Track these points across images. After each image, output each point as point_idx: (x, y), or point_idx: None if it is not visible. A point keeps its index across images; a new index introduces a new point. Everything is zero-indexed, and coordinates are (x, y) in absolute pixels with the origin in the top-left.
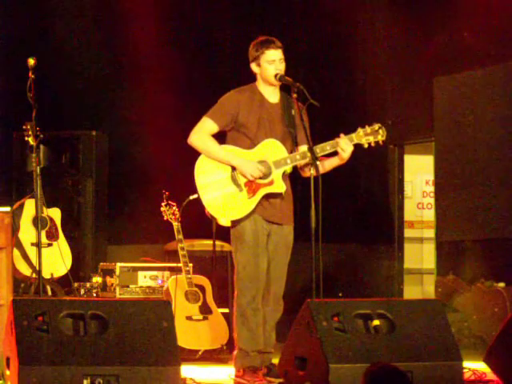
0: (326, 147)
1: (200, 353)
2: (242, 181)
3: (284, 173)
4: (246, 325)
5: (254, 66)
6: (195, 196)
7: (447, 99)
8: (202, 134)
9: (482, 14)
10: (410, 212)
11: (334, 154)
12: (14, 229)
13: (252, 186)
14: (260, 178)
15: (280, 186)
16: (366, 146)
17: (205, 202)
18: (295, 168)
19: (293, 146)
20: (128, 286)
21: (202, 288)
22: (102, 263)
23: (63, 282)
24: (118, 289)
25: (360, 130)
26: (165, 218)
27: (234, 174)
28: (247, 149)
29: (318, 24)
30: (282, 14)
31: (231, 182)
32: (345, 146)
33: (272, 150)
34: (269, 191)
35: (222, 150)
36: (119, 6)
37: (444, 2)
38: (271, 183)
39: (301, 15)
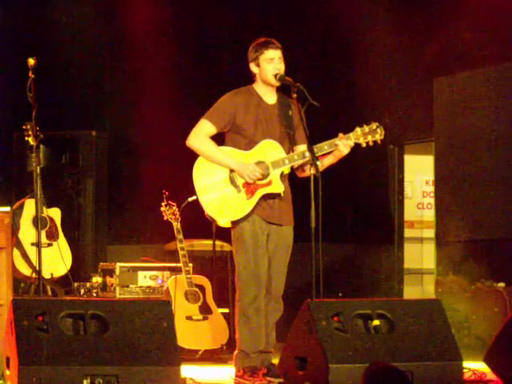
0: (324, 147)
1: (200, 353)
2: (240, 182)
3: (282, 173)
4: (247, 325)
5: (253, 67)
6: (194, 198)
7: (447, 99)
8: (201, 136)
9: (482, 13)
10: (409, 212)
11: (329, 152)
12: (14, 229)
13: (250, 187)
14: (258, 179)
15: (278, 187)
16: (364, 145)
17: (203, 204)
18: (292, 168)
19: (290, 147)
20: (128, 286)
21: (201, 288)
22: (101, 263)
23: (63, 282)
24: (118, 289)
25: (358, 130)
26: (165, 218)
27: (232, 175)
28: (245, 150)
29: (317, 24)
30: (281, 14)
31: (229, 184)
32: (343, 147)
33: (270, 150)
34: (267, 192)
35: (220, 153)
36: (120, 6)
37: (444, 2)
38: (269, 184)
39: (301, 15)
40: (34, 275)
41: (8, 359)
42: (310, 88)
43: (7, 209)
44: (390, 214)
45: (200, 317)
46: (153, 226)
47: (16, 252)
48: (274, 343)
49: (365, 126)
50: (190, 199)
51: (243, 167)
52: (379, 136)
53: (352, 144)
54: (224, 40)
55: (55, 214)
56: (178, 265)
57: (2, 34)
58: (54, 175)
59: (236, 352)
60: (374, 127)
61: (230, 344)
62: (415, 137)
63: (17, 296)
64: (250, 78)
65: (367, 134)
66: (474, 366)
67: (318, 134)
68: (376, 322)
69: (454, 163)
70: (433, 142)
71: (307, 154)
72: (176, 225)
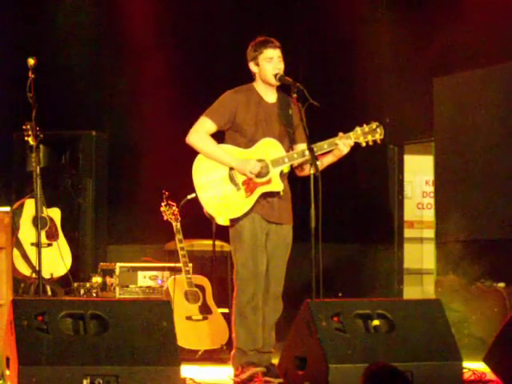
0: (323, 146)
1: (200, 353)
2: (239, 180)
3: (281, 172)
4: (244, 324)
5: (252, 66)
6: (193, 195)
7: (447, 99)
8: (201, 133)
9: (482, 13)
10: (409, 212)
11: (329, 151)
12: (14, 229)
13: (250, 185)
14: (258, 177)
15: (278, 185)
16: (364, 144)
17: (203, 202)
18: (291, 167)
19: (290, 146)
20: (128, 286)
21: (201, 288)
22: (101, 263)
23: (63, 282)
24: (117, 289)
25: (358, 129)
26: (165, 218)
27: (232, 173)
28: (245, 148)
29: (317, 24)
30: (281, 13)
31: (229, 181)
32: (343, 146)
33: (270, 148)
34: (266, 190)
35: (220, 150)
36: (119, 7)
37: (444, 2)
38: (269, 182)
39: (301, 15)
40: (33, 275)
41: (8, 359)
42: (310, 88)
43: (7, 209)
44: (390, 214)
45: (200, 317)
46: (153, 226)
47: (16, 252)
48: (274, 343)
49: (365, 126)
50: (189, 196)
51: (244, 163)
52: (379, 136)
53: (352, 143)
54: (224, 39)
55: (55, 214)
56: (178, 265)
57: (2, 34)
58: (53, 175)
59: (233, 351)
60: (374, 127)
61: (230, 344)
62: (415, 137)
63: (17, 296)
64: (250, 77)
65: (367, 134)
66: (474, 366)
67: (317, 133)
68: (376, 322)
69: (454, 163)
70: (433, 142)
71: (307, 152)
72: (176, 225)
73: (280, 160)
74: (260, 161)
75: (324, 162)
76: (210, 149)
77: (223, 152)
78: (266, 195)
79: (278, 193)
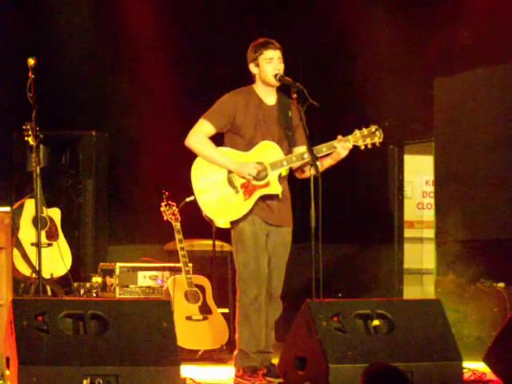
0: (322, 149)
1: (200, 353)
2: (238, 182)
3: (280, 175)
4: (247, 325)
5: (252, 67)
6: (191, 198)
7: (447, 99)
8: (200, 136)
9: (482, 13)
10: (409, 212)
11: (327, 154)
12: (14, 229)
13: (248, 188)
14: (256, 180)
15: (276, 188)
16: (363, 147)
17: (201, 204)
18: (291, 170)
19: (289, 148)
20: (128, 286)
21: (201, 288)
22: (101, 263)
23: (63, 282)
24: (117, 289)
25: (357, 132)
26: (165, 218)
27: (231, 175)
28: (244, 150)
29: (317, 24)
30: (282, 14)
31: (227, 184)
32: (341, 149)
33: (269, 151)
34: (265, 193)
35: (218, 153)
36: (119, 6)
37: (444, 2)
38: (267, 185)
39: (300, 15)
40: (33, 275)
41: (8, 359)
42: (310, 88)
43: (7, 209)
44: (390, 214)
45: (200, 317)
46: (153, 226)
47: (16, 252)
48: (274, 343)
49: (364, 129)
50: (188, 199)
51: (242, 166)
52: (378, 139)
53: (350, 146)
54: (224, 40)
55: (55, 214)
56: (178, 265)
57: (2, 34)
58: (54, 175)
59: (236, 352)
60: (373, 130)
61: (230, 344)
62: (415, 137)
63: (17, 296)
64: (250, 78)
65: (366, 137)
66: (474, 366)
67: (317, 134)
68: (376, 322)
69: (454, 163)
70: (433, 142)
71: (306, 155)
72: (176, 225)
73: (279, 163)
74: (259, 164)
75: (323, 164)
76: (209, 152)
77: (222, 155)
78: (264, 198)
79: (276, 196)
